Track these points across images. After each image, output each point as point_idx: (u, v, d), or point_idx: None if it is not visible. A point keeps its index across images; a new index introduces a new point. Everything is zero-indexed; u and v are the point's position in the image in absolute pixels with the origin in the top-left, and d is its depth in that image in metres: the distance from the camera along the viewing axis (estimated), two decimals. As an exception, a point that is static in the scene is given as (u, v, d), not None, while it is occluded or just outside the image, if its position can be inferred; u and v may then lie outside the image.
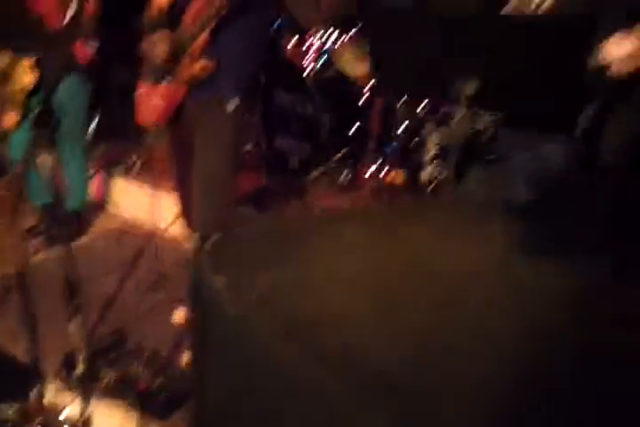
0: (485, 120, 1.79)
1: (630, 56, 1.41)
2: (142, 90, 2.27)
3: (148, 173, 3.52)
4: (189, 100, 2.19)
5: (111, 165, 3.68)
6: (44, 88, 1.49)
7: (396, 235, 1.57)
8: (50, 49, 1.75)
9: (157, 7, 2.29)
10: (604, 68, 1.51)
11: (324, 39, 3.55)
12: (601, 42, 1.45)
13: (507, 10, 1.42)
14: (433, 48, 1.46)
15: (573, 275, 1.38)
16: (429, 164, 2.18)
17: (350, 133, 3.53)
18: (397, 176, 3.51)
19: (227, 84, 2.15)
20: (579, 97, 1.44)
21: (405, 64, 1.60)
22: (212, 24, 2.04)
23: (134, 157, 3.64)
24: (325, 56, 3.55)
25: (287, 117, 3.66)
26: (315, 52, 3.59)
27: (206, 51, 2.07)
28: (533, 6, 1.49)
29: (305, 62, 3.58)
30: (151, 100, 2.20)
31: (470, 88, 1.45)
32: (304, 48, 3.55)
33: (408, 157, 3.13)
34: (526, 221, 1.81)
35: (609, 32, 1.44)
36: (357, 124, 3.48)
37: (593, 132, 1.82)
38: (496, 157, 2.00)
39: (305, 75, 3.59)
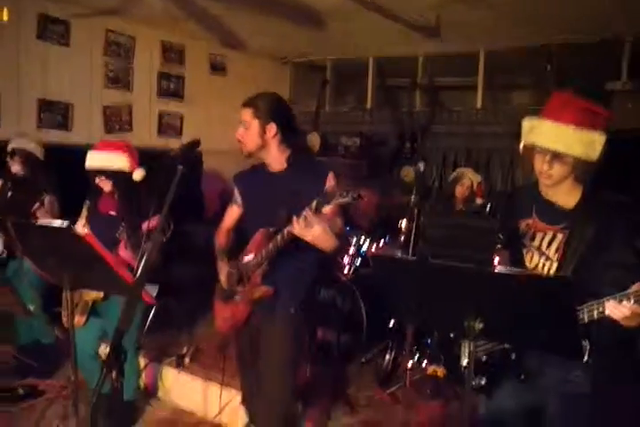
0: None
1: (630, 317, 1.61)
2: (216, 306, 2.63)
3: (198, 364, 3.73)
4: (255, 311, 2.48)
5: (163, 357, 3.86)
6: (115, 332, 1.71)
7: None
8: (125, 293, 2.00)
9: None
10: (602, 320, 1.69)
11: (359, 244, 3.94)
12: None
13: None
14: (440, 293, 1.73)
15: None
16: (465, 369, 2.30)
17: (389, 326, 3.69)
18: (438, 370, 3.54)
19: (285, 300, 2.43)
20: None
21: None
22: (272, 256, 2.32)
23: (185, 349, 3.85)
24: (360, 258, 3.91)
25: (328, 311, 3.85)
26: (352, 254, 3.94)
27: (266, 277, 2.38)
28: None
29: (344, 263, 3.92)
30: (223, 315, 2.57)
31: (478, 325, 1.65)
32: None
33: (447, 352, 3.21)
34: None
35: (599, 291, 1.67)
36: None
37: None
38: (527, 373, 2.08)
39: (344, 273, 3.91)
